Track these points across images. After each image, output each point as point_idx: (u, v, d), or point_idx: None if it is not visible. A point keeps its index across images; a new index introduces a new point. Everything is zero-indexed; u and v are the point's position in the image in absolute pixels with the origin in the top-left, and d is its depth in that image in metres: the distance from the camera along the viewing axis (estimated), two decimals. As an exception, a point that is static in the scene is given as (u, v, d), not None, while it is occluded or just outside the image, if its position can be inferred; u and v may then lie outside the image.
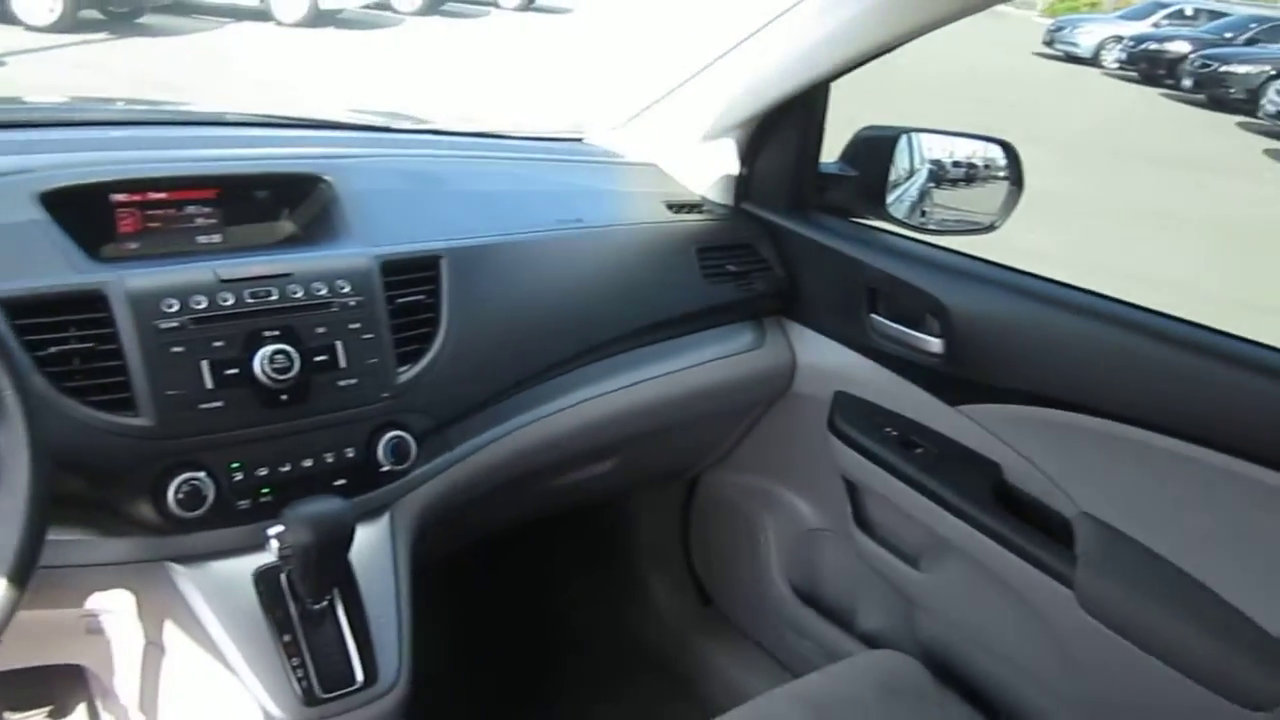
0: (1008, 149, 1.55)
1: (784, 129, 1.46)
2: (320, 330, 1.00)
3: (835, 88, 1.46)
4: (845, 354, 1.48)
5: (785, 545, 1.68)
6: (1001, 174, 1.56)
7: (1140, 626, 1.13)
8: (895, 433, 1.42)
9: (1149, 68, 15.44)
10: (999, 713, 1.35)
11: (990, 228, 1.54)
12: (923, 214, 1.64)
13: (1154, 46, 15.60)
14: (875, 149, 1.47)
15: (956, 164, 1.66)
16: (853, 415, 1.47)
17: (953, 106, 7.29)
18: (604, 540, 1.90)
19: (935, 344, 1.36)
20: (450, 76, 9.22)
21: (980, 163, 1.60)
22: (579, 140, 1.61)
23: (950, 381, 1.37)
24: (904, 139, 1.62)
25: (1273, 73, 13.22)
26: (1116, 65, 16.38)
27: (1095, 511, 1.21)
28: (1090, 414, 1.23)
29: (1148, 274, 4.88)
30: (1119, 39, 16.73)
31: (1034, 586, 1.23)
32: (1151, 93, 14.89)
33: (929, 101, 7.16)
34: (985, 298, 1.32)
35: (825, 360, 1.51)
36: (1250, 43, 15.52)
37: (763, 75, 1.39)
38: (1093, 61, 16.89)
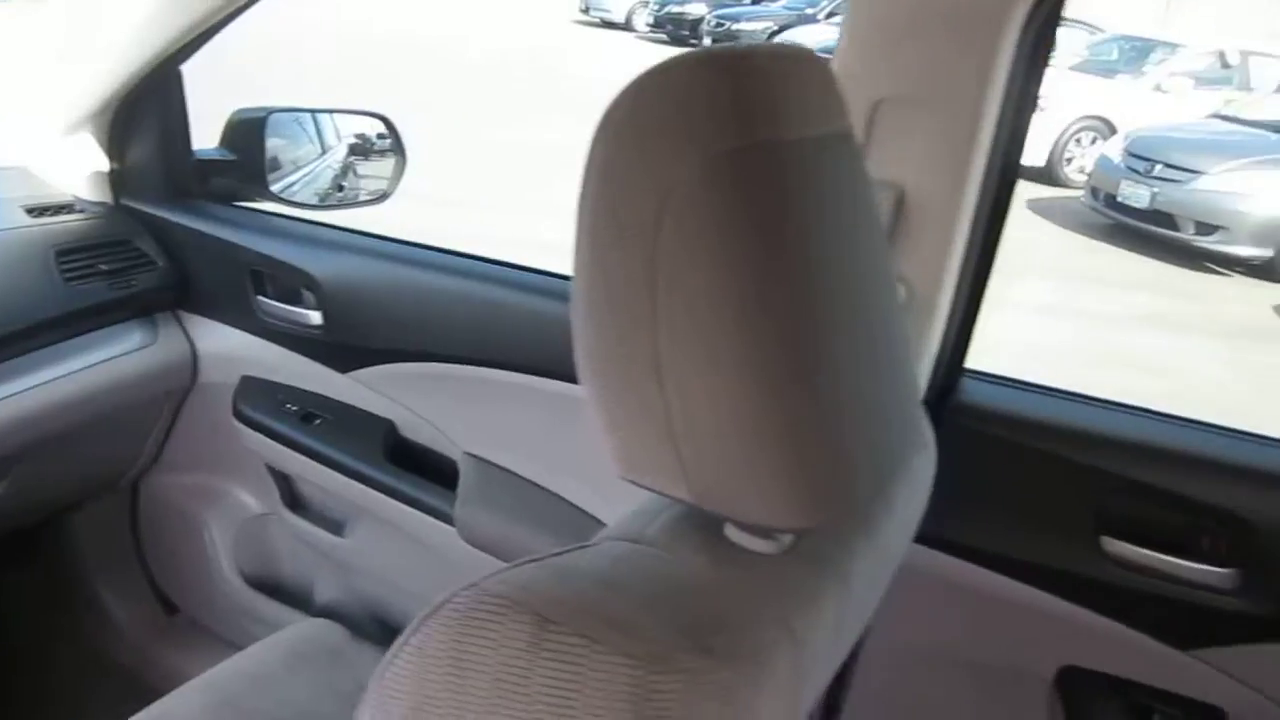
0: (386, 121, 1.63)
1: (146, 117, 1.42)
2: None
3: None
4: (243, 338, 1.48)
5: (231, 537, 1.66)
6: (388, 145, 1.65)
7: (512, 547, 1.24)
8: (296, 408, 1.47)
9: (674, 29, 16.61)
10: None
11: (384, 196, 1.63)
12: (340, 189, 1.69)
13: (675, 9, 16.79)
14: (248, 132, 1.46)
15: (378, 138, 1.73)
16: (255, 398, 1.49)
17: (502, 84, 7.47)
18: (53, 560, 1.77)
19: (315, 316, 1.44)
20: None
21: (374, 136, 1.66)
22: None
23: (336, 350, 1.43)
24: (309, 119, 1.65)
25: (775, 28, 14.76)
26: (647, 29, 17.45)
27: (476, 450, 1.31)
28: (453, 362, 1.33)
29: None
30: (645, 3, 17.83)
31: (427, 530, 1.32)
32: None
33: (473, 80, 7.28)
34: (350, 266, 1.40)
35: (226, 347, 1.50)
36: (755, 2, 17.21)
37: (103, 60, 1.32)
38: (626, 26, 17.88)
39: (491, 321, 1.31)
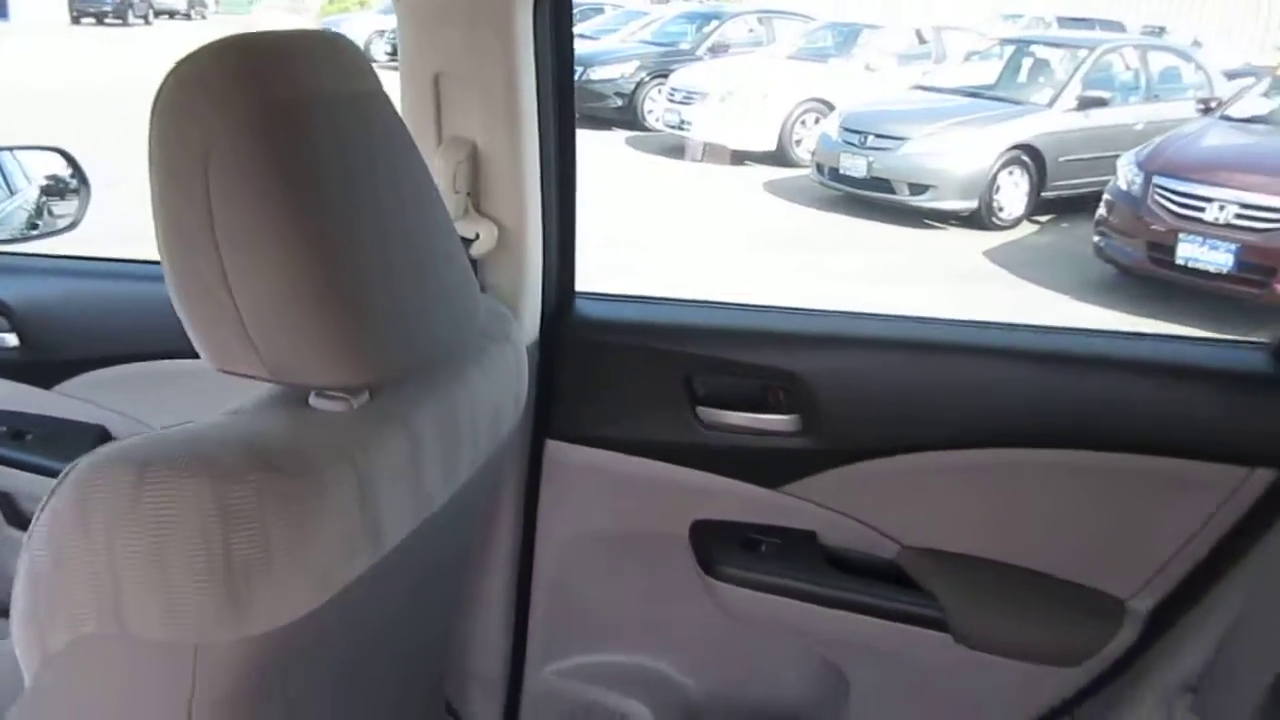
0: (66, 155, 1.67)
1: None
2: None
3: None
4: None
5: None
6: (72, 179, 1.70)
7: None
8: (5, 428, 1.55)
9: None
10: None
11: (73, 225, 1.67)
12: (35, 226, 1.73)
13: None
14: None
15: (70, 177, 1.77)
16: None
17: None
18: None
19: (10, 339, 1.53)
20: None
21: (67, 177, 1.72)
22: None
23: (37, 368, 1.52)
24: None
25: (645, 76, 14.41)
26: (386, 56, 17.28)
27: None
28: (146, 360, 1.46)
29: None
30: (381, 32, 17.66)
31: None
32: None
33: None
34: (39, 287, 1.48)
35: None
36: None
37: None
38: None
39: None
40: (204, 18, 25.36)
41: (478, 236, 1.17)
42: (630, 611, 1.41)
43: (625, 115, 10.68)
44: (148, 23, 22.19)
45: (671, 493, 1.32)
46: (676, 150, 9.72)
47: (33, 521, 0.72)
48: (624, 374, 1.31)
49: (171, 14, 23.88)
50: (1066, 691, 1.25)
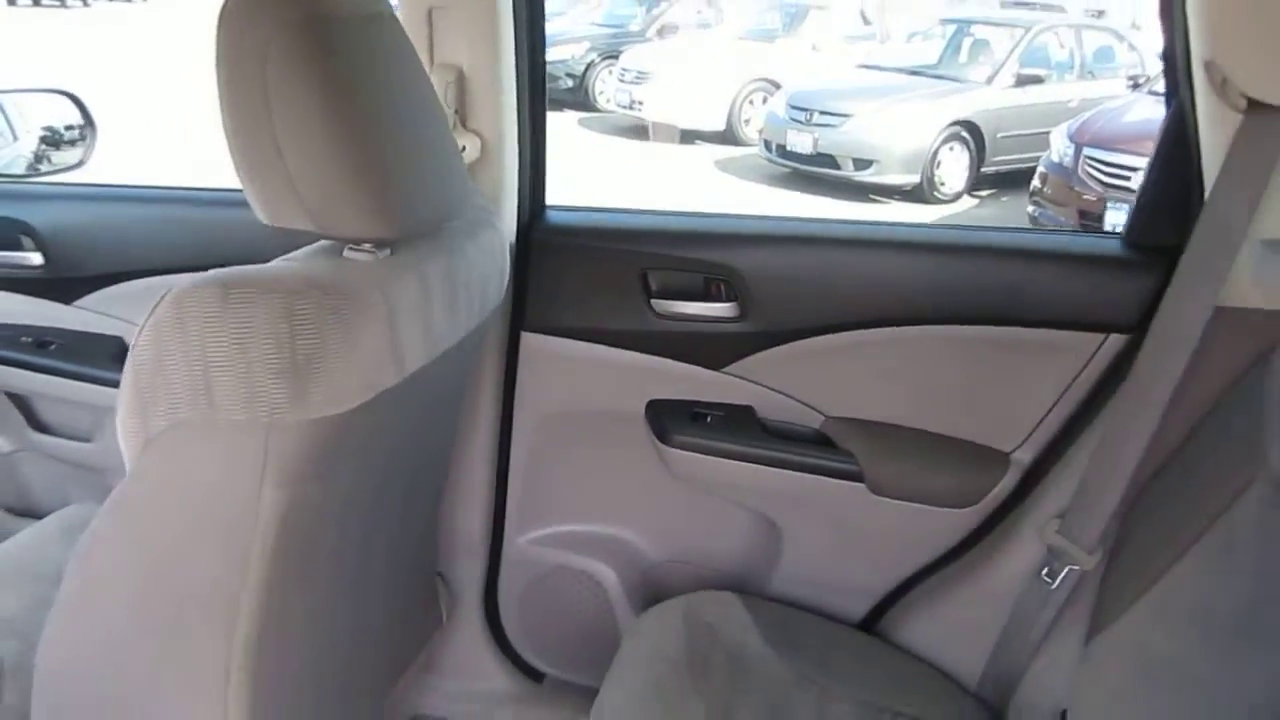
0: (73, 98, 1.84)
1: None
2: None
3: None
4: None
5: None
6: (75, 136, 1.88)
7: None
8: (30, 340, 1.72)
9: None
10: None
11: (81, 164, 1.85)
12: (48, 160, 1.92)
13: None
14: None
15: (65, 129, 1.96)
16: None
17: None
18: None
19: (35, 258, 1.70)
20: None
21: (62, 129, 1.90)
22: None
23: (59, 284, 1.70)
24: None
25: (595, 58, 14.80)
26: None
27: None
28: (161, 273, 1.63)
29: None
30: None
31: None
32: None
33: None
34: (65, 210, 1.68)
35: None
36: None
37: None
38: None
39: (189, 233, 1.62)
40: (144, -1, 25.24)
41: (464, 149, 1.38)
42: (595, 484, 1.61)
43: (576, 96, 10.88)
44: (86, 4, 21.67)
45: (629, 375, 1.51)
46: (628, 130, 9.91)
47: (135, 334, 0.92)
48: (588, 272, 1.50)
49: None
50: (962, 530, 1.48)
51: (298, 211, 0.96)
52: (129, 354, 0.94)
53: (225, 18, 0.93)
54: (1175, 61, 1.24)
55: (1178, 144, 1.28)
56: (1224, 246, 1.16)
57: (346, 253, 1.02)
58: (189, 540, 1.00)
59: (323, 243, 1.05)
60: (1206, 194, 1.20)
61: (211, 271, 0.93)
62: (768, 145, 8.31)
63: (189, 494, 0.98)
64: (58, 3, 20.61)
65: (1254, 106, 1.12)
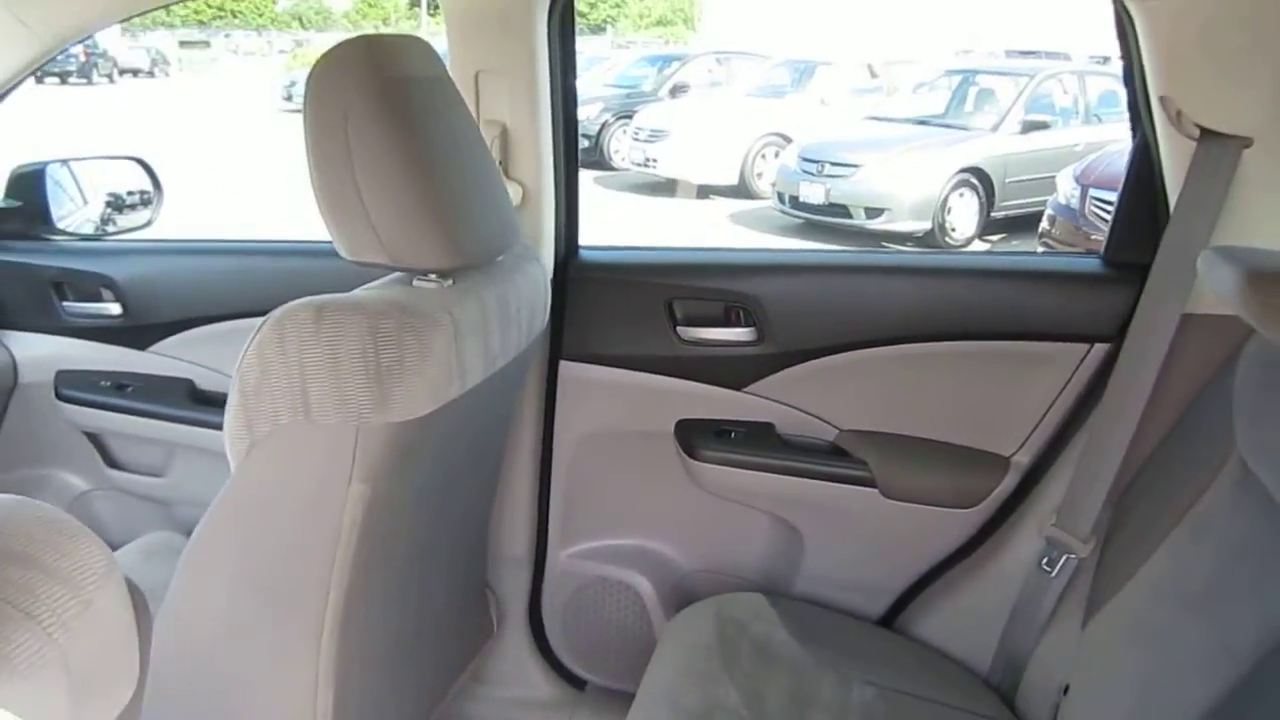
0: (142, 163, 2.03)
1: None
2: None
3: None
4: (54, 340, 1.87)
5: (75, 513, 1.98)
6: (149, 184, 2.06)
7: None
8: (109, 383, 1.86)
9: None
10: None
11: (149, 223, 2.03)
12: (113, 222, 2.10)
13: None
14: (29, 182, 1.85)
15: (127, 194, 2.16)
16: (72, 381, 1.87)
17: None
18: None
19: (114, 308, 1.88)
20: None
21: (124, 194, 2.09)
22: None
23: (135, 332, 1.85)
24: (70, 180, 2.05)
25: (609, 118, 15.14)
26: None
27: None
28: (230, 319, 1.77)
29: None
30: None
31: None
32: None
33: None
34: (140, 264, 1.82)
35: (41, 351, 1.88)
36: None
37: None
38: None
39: (252, 281, 1.78)
40: (167, 75, 25.77)
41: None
42: (630, 500, 1.73)
43: (592, 156, 11.14)
44: (112, 81, 22.46)
45: (659, 398, 1.65)
46: (643, 187, 10.14)
47: (241, 353, 1.08)
48: (618, 305, 1.65)
49: (135, 72, 24.29)
50: (969, 528, 1.61)
51: (375, 247, 1.12)
52: (235, 371, 1.09)
53: (313, 80, 1.10)
54: (1136, 97, 1.40)
55: (1144, 171, 1.44)
56: (1188, 260, 1.30)
57: (416, 282, 1.17)
58: (289, 529, 1.15)
59: (395, 274, 1.20)
60: (1171, 214, 1.35)
61: (307, 298, 1.08)
62: (781, 197, 8.51)
63: (288, 489, 1.13)
64: (84, 80, 21.20)
65: (1206, 135, 1.28)
